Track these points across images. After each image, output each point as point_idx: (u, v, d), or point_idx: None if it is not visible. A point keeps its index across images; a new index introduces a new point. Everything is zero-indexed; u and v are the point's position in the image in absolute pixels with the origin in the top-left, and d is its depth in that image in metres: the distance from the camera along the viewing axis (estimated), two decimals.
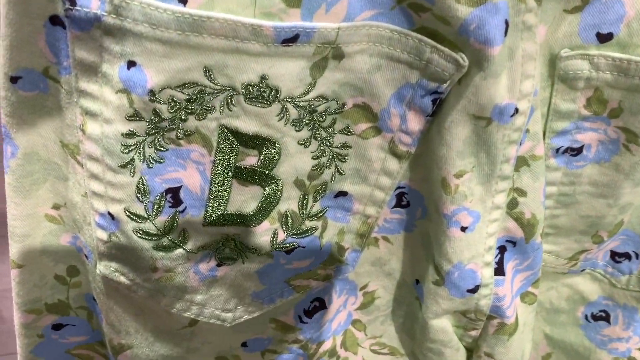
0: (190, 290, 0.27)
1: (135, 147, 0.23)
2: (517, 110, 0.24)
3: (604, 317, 0.35)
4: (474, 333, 0.32)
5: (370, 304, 0.34)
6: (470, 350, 0.34)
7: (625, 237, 0.33)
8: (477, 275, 0.29)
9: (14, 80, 0.23)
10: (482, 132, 0.25)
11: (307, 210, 0.27)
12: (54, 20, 0.22)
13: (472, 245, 0.27)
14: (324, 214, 0.28)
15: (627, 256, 0.34)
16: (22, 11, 0.22)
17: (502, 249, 0.29)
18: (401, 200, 0.29)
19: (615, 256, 0.34)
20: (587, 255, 0.33)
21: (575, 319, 0.37)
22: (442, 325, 0.31)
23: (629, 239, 0.33)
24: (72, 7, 0.20)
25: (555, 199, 0.30)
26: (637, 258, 0.33)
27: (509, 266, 0.30)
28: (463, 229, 0.27)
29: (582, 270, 0.35)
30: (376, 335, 0.35)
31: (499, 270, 0.30)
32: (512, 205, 0.28)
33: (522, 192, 0.27)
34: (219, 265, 0.27)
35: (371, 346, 0.36)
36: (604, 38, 0.24)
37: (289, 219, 0.27)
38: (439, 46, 0.23)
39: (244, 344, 0.32)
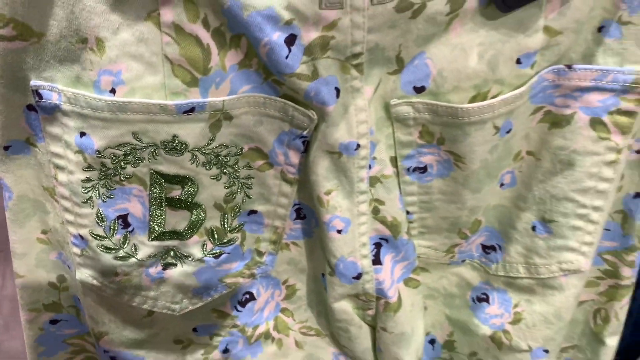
0: (145, 288, 0.37)
1: (92, 188, 0.33)
2: (358, 145, 0.34)
3: (485, 298, 0.44)
4: (370, 312, 0.41)
5: (292, 295, 0.43)
6: (374, 328, 0.43)
7: (489, 233, 0.42)
8: (357, 265, 0.38)
9: (6, 148, 0.34)
10: (338, 162, 0.34)
11: (228, 225, 0.37)
12: (30, 107, 0.33)
13: (349, 243, 0.37)
14: (241, 228, 0.38)
15: (493, 248, 0.43)
16: (8, 104, 0.32)
17: (378, 245, 0.39)
18: (299, 213, 0.39)
19: (485, 249, 0.43)
20: (460, 248, 0.43)
21: (466, 302, 0.45)
22: (343, 308, 0.41)
23: (492, 235, 0.42)
24: (40, 100, 0.31)
25: (418, 206, 0.39)
26: (500, 250, 0.42)
27: (386, 258, 0.39)
28: (339, 231, 0.36)
29: (462, 261, 0.44)
30: (302, 320, 0.45)
31: (377, 261, 0.39)
32: (375, 211, 0.37)
33: (380, 202, 0.37)
34: (164, 269, 0.37)
35: (300, 329, 0.45)
36: (419, 90, 0.34)
37: (214, 233, 0.37)
38: (297, 106, 0.33)
39: (194, 330, 0.41)
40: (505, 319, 0.43)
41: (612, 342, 0.45)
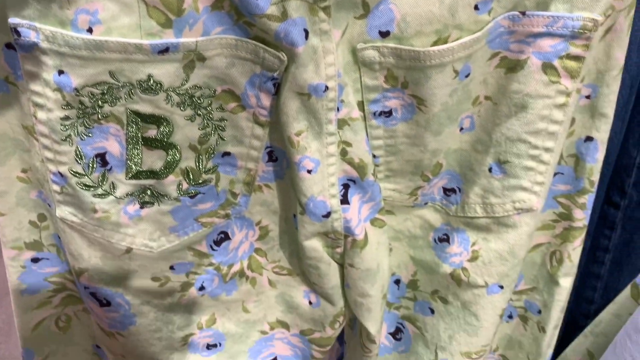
0: (123, 225, 0.39)
1: (71, 126, 0.35)
2: (327, 87, 0.36)
3: (446, 239, 0.47)
4: (338, 250, 0.44)
5: (265, 235, 0.46)
6: (342, 265, 0.46)
7: (450, 176, 0.45)
8: (327, 204, 0.40)
9: None
10: (307, 104, 0.36)
11: (202, 166, 0.39)
12: (9, 45, 0.34)
13: (318, 183, 0.39)
14: (216, 169, 0.40)
15: (453, 191, 0.45)
16: None
17: (346, 186, 0.41)
18: (271, 156, 0.41)
19: (446, 191, 0.45)
20: (423, 191, 0.45)
21: (428, 243, 0.48)
22: (313, 246, 0.43)
23: (452, 178, 0.45)
24: (18, 38, 0.32)
25: (384, 150, 0.41)
26: (460, 192, 0.45)
27: (354, 198, 0.42)
28: (309, 171, 0.39)
29: (425, 204, 0.46)
30: (275, 260, 0.47)
31: (345, 201, 0.41)
32: (343, 153, 0.40)
33: (348, 144, 0.39)
34: (141, 207, 0.39)
35: (273, 269, 0.48)
36: (384, 34, 0.35)
37: (189, 173, 0.39)
38: (268, 48, 0.34)
39: (171, 267, 0.44)
40: (463, 257, 0.46)
41: (566, 283, 0.48)
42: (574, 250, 0.46)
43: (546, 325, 0.50)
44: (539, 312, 0.51)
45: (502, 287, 0.46)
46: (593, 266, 0.63)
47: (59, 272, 0.45)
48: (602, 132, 0.41)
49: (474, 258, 0.46)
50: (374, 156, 0.42)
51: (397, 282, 0.52)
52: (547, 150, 0.40)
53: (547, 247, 0.48)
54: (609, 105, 0.41)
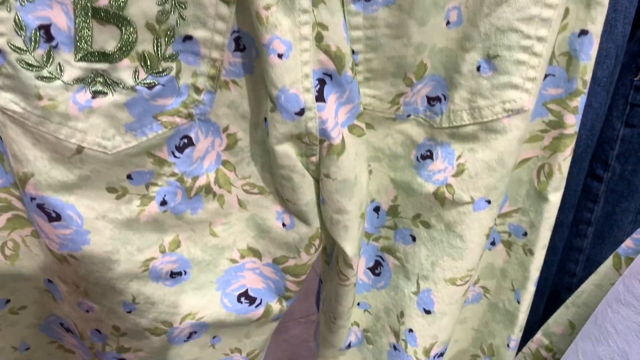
0: (72, 118, 0.35)
1: None
2: None
3: (429, 155, 0.44)
4: (313, 159, 0.40)
5: (234, 145, 0.42)
6: (317, 180, 0.42)
7: (434, 82, 0.41)
8: (300, 99, 0.37)
9: None
10: None
11: (162, 52, 0.35)
12: None
13: (290, 71, 0.36)
14: (177, 57, 0.36)
15: (438, 99, 0.42)
16: None
17: (321, 82, 0.38)
18: (238, 43, 0.37)
19: (430, 100, 0.42)
20: (405, 99, 0.42)
21: (410, 162, 0.45)
22: (286, 151, 0.39)
23: (438, 84, 0.41)
24: None
25: (364, 43, 0.38)
26: (445, 100, 0.42)
27: (330, 98, 0.38)
28: (279, 55, 0.35)
29: (407, 116, 0.43)
30: (245, 176, 0.43)
31: (320, 98, 0.38)
32: (319, 38, 0.36)
33: (324, 27, 0.35)
34: (93, 97, 0.35)
35: (242, 186, 0.44)
36: None
37: (147, 59, 0.35)
38: None
39: (129, 177, 0.39)
40: (448, 173, 0.43)
41: (555, 198, 0.45)
42: (565, 160, 0.43)
43: (534, 247, 0.47)
44: (525, 234, 0.48)
45: (489, 201, 0.43)
46: (576, 239, 0.63)
47: (3, 186, 0.41)
48: (597, 24, 0.38)
49: (459, 172, 0.42)
50: (353, 52, 0.38)
51: (377, 209, 0.49)
52: (540, 39, 0.37)
53: (534, 162, 0.45)
54: None
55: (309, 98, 0.37)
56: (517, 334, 0.53)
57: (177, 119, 0.38)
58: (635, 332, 0.39)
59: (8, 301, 0.47)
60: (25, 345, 0.51)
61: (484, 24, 0.37)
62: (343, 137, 0.39)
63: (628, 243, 0.47)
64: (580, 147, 0.56)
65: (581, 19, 0.38)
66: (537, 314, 0.68)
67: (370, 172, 0.46)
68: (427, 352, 0.51)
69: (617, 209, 0.59)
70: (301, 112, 0.37)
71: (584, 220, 0.61)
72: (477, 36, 0.38)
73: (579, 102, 0.41)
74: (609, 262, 0.50)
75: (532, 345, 0.59)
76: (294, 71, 0.36)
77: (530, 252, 0.48)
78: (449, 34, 0.39)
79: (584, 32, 0.39)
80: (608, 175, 0.58)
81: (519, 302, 0.51)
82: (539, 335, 0.58)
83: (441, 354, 0.52)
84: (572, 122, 0.42)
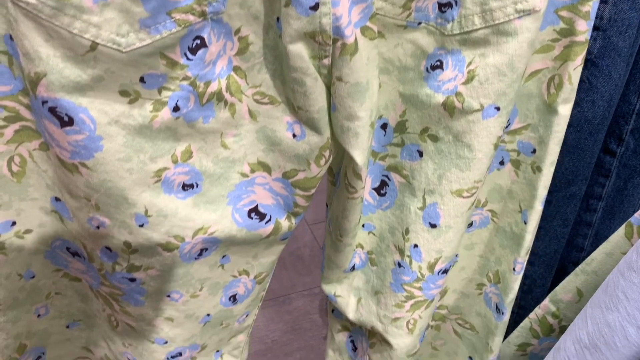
0: (87, 11, 0.34)
1: None
2: None
3: (439, 65, 0.44)
4: (326, 62, 0.40)
5: (245, 49, 0.41)
6: (328, 87, 0.42)
7: None
8: None
9: None
10: None
11: None
12: None
13: None
14: None
15: (449, 5, 0.42)
16: None
17: None
18: None
19: (441, 7, 0.42)
20: (417, 4, 0.42)
21: (420, 73, 0.45)
22: (299, 51, 0.39)
23: None
24: None
25: None
26: (456, 5, 0.42)
27: None
28: None
29: (419, 24, 0.43)
30: (256, 85, 0.43)
31: None
32: None
33: None
34: None
35: (253, 95, 0.44)
36: None
37: None
38: None
39: (142, 79, 0.39)
40: (458, 81, 0.44)
41: (565, 110, 0.46)
42: (575, 70, 0.44)
43: (542, 163, 0.48)
44: (534, 151, 0.49)
45: (498, 108, 0.44)
46: (585, 214, 0.65)
47: (11, 94, 0.40)
48: None
49: (469, 79, 0.43)
50: None
51: (384, 126, 0.49)
52: None
53: (544, 73, 0.46)
54: None
55: None
56: (523, 257, 0.54)
57: (191, 17, 0.38)
58: None
59: (14, 224, 0.47)
60: (31, 273, 0.51)
61: None
62: (356, 37, 0.40)
63: None
64: (597, 119, 0.56)
65: None
66: (544, 288, 0.69)
67: (379, 85, 0.46)
68: (431, 267, 0.52)
69: (629, 184, 0.59)
70: (315, 7, 0.37)
71: (594, 195, 0.61)
72: None
73: (591, 7, 0.42)
74: (620, 231, 0.50)
75: (538, 311, 0.60)
76: None
77: (538, 169, 0.49)
78: None
79: None
80: (621, 149, 0.58)
81: (525, 223, 0.52)
82: (546, 302, 0.59)
83: (445, 271, 0.53)
84: (584, 29, 0.43)
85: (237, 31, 0.41)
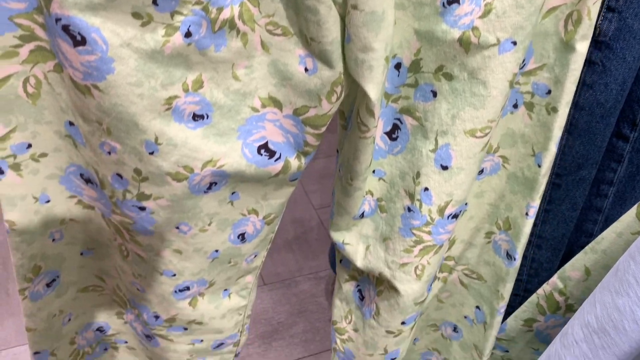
0: None
1: None
2: None
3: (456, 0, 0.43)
4: None
5: None
6: (343, 18, 0.41)
7: None
8: None
9: None
10: None
11: None
12: None
13: None
14: None
15: None
16: None
17: None
18: None
19: None
20: None
21: (436, 8, 0.44)
22: None
23: None
24: None
25: None
26: None
27: None
28: None
29: None
30: (269, 14, 0.43)
31: None
32: None
33: None
34: None
35: (266, 25, 0.43)
36: None
37: None
38: None
39: (154, 2, 0.39)
40: (475, 15, 0.42)
41: (582, 48, 0.45)
42: (594, 4, 0.42)
43: (558, 104, 0.47)
44: (548, 92, 0.48)
45: (514, 43, 0.43)
46: (596, 200, 0.63)
47: (25, 12, 0.40)
48: None
49: (486, 12, 0.42)
50: None
51: (398, 66, 0.48)
52: None
53: (562, 10, 0.44)
54: None
55: None
56: (536, 201, 0.53)
57: None
58: None
59: (29, 146, 0.48)
60: (46, 197, 0.52)
61: None
62: None
63: None
64: (609, 102, 0.55)
65: None
66: (551, 272, 0.68)
67: (394, 21, 0.45)
68: (441, 211, 0.51)
69: None
70: None
71: (605, 180, 0.60)
72: None
73: None
74: (632, 212, 0.50)
75: (546, 287, 0.60)
76: None
77: (553, 110, 0.48)
78: None
79: None
80: (635, 135, 0.57)
81: (539, 166, 0.51)
82: (554, 278, 0.59)
83: (455, 216, 0.53)
84: None
85: None
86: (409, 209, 0.53)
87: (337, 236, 0.61)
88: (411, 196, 0.52)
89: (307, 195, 1.55)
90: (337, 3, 0.40)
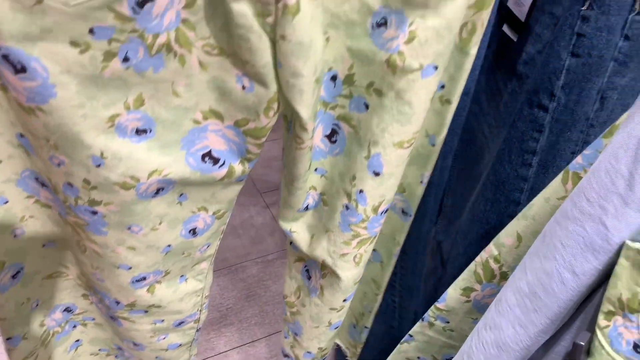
0: None
1: None
2: None
3: (384, 23, 0.45)
4: (270, 20, 0.42)
5: (193, 3, 0.43)
6: (274, 43, 0.44)
7: None
8: None
9: None
10: None
11: None
12: None
13: None
14: None
15: None
16: None
17: None
18: None
19: None
20: None
21: (366, 30, 0.46)
22: (242, 10, 0.41)
23: None
24: None
25: None
26: None
27: None
28: None
29: None
30: (205, 37, 0.45)
31: None
32: None
33: None
34: None
35: (203, 47, 0.45)
36: None
37: None
38: None
39: (91, 31, 0.41)
40: (400, 40, 0.45)
41: (474, 51, 0.51)
42: (487, 15, 0.47)
43: (452, 96, 0.54)
44: (442, 87, 0.54)
45: (436, 67, 0.45)
46: (521, 169, 0.66)
47: None
48: None
49: (410, 39, 0.44)
50: None
51: (334, 78, 0.51)
52: None
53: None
54: None
55: None
56: (429, 171, 0.62)
57: None
58: (580, 245, 0.41)
59: None
60: (4, 199, 0.55)
61: None
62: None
63: (578, 159, 0.49)
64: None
65: None
66: (482, 248, 0.72)
67: (327, 39, 0.47)
68: (375, 210, 0.56)
69: (561, 138, 0.61)
70: None
71: (529, 149, 0.63)
72: None
73: None
74: (558, 177, 0.52)
75: (483, 254, 0.63)
76: None
77: (447, 101, 0.54)
78: None
79: None
80: (553, 105, 0.59)
81: (433, 145, 0.59)
82: (490, 245, 0.62)
83: (386, 211, 0.57)
84: None
85: None
86: (347, 207, 0.57)
87: (285, 225, 0.65)
88: (348, 196, 0.56)
89: (252, 180, 1.55)
90: (267, 31, 0.42)
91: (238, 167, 0.53)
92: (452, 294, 0.68)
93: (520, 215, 0.57)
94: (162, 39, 0.43)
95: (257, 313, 1.26)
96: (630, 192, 0.38)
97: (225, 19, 0.43)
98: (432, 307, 0.67)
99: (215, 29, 0.44)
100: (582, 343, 0.42)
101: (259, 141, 0.51)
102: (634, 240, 0.39)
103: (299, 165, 0.53)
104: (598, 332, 0.41)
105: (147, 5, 0.41)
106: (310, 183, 0.60)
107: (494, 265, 0.63)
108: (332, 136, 0.55)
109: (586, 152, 0.49)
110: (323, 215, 0.61)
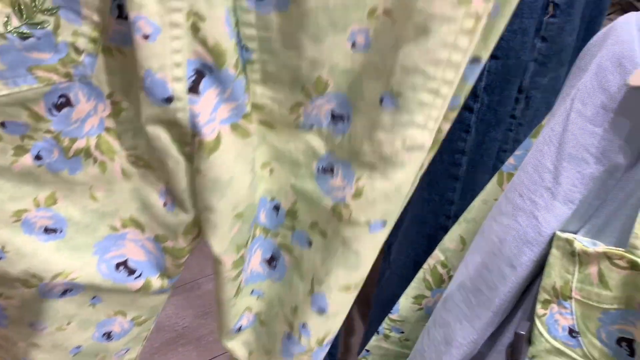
0: None
1: None
2: None
3: (330, 170, 0.41)
4: (187, 149, 0.38)
5: (119, 113, 0.40)
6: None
7: (340, 100, 0.39)
8: (167, 87, 0.35)
9: None
10: None
11: (40, 3, 0.34)
12: None
13: (158, 56, 0.33)
14: (56, 11, 0.34)
15: (341, 119, 0.39)
16: None
17: (199, 73, 0.35)
18: (121, 12, 0.35)
19: (334, 117, 0.39)
20: (306, 110, 0.39)
21: (311, 172, 0.42)
22: (157, 134, 0.38)
23: (343, 103, 0.39)
24: None
25: (258, 43, 0.35)
26: (348, 121, 0.39)
27: (209, 92, 0.36)
28: (145, 37, 0.33)
29: (311, 127, 0.41)
30: (130, 147, 0.42)
31: (194, 90, 0.36)
32: (195, 29, 0.34)
33: (201, 18, 0.33)
34: None
35: (128, 157, 0.42)
36: None
37: (22, 7, 0.33)
38: None
39: (2, 124, 0.39)
40: (347, 192, 0.41)
41: None
42: None
43: None
44: None
45: (384, 223, 0.40)
46: (452, 168, 0.68)
47: None
48: (489, 51, 0.35)
49: (357, 195, 0.40)
50: (247, 49, 0.36)
51: (277, 208, 0.47)
52: (446, 82, 0.34)
53: None
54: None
55: (178, 88, 0.35)
56: None
57: (54, 76, 0.37)
58: (516, 239, 0.43)
59: None
60: None
61: (390, 57, 0.34)
62: (220, 134, 0.37)
63: (510, 160, 0.51)
64: None
65: (478, 47, 0.35)
66: (422, 247, 0.73)
67: (271, 170, 0.44)
68: (320, 342, 0.49)
69: (487, 137, 0.63)
70: (169, 100, 0.35)
71: (458, 149, 0.65)
72: (383, 68, 0.35)
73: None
74: (494, 179, 0.53)
75: (430, 261, 0.62)
76: (162, 56, 0.34)
77: None
78: (355, 56, 0.36)
79: (476, 60, 0.35)
80: (477, 105, 0.61)
81: None
82: (436, 251, 0.61)
83: (332, 339, 0.51)
84: None
85: (110, 95, 0.39)
86: (289, 336, 0.51)
87: (223, 341, 0.59)
88: (290, 325, 0.50)
89: None
90: (186, 158, 0.39)
91: (156, 282, 0.49)
92: (404, 304, 0.67)
93: (461, 219, 0.58)
94: (80, 144, 0.41)
95: (214, 330, 1.21)
96: (557, 185, 0.40)
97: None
98: (386, 318, 0.66)
99: (143, 141, 0.41)
100: (522, 332, 0.44)
101: (178, 261, 0.47)
102: (563, 230, 0.41)
103: (220, 293, 0.48)
104: (537, 320, 0.43)
105: (65, 110, 0.39)
106: (245, 305, 0.54)
107: (442, 271, 0.62)
108: (271, 261, 0.50)
109: (517, 152, 0.50)
110: (262, 335, 0.56)
